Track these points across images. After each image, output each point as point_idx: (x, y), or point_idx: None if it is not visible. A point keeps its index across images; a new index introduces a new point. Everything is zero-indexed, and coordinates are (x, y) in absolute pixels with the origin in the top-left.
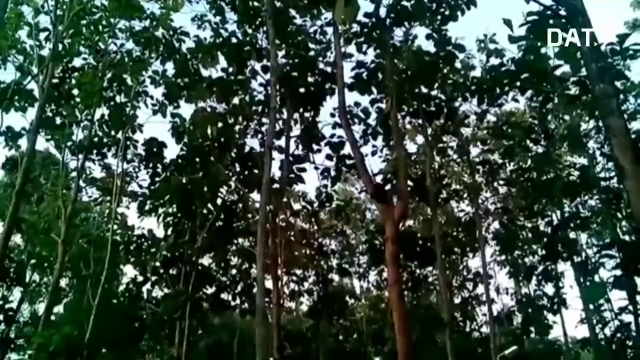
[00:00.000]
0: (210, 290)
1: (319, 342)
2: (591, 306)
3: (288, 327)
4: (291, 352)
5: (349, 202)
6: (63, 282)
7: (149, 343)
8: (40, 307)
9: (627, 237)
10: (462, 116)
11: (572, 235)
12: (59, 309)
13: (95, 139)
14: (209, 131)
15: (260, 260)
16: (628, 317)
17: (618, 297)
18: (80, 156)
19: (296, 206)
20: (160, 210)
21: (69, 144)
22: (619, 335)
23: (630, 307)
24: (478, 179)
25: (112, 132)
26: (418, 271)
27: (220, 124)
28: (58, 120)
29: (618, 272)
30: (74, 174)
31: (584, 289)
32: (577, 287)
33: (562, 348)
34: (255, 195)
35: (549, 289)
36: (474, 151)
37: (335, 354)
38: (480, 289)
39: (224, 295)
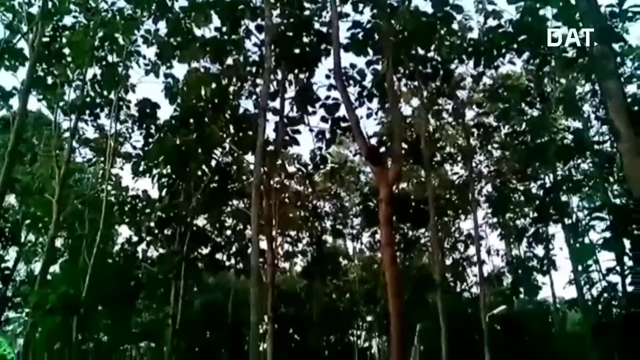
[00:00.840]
0: (205, 251)
1: (313, 302)
2: (580, 267)
3: (282, 287)
4: (285, 312)
5: (343, 164)
6: (58, 242)
7: (145, 302)
8: (36, 267)
9: (617, 201)
10: (458, 78)
11: (563, 198)
12: (54, 268)
13: (88, 99)
14: (202, 92)
15: (255, 221)
16: (615, 278)
17: (606, 259)
18: (73, 116)
19: (290, 168)
20: (155, 172)
21: (61, 104)
22: (605, 295)
23: (618, 268)
24: (472, 142)
25: (105, 92)
26: (411, 233)
27: (214, 85)
28: (49, 80)
29: (607, 235)
30: (66, 134)
31: (573, 250)
32: (567, 249)
33: (550, 308)
34: (250, 157)
35: (539, 250)
36: (469, 114)
37: (328, 313)
38: (472, 250)
39: (218, 256)
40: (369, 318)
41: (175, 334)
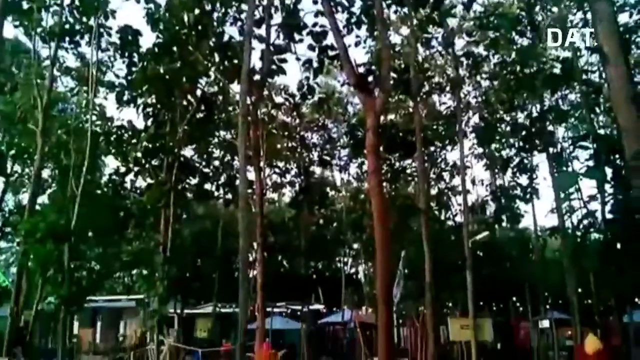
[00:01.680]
0: (193, 181)
1: (301, 231)
2: (562, 195)
3: (271, 217)
4: (274, 240)
5: (331, 95)
6: (45, 173)
7: (135, 231)
8: (24, 198)
9: (602, 132)
10: (449, 5)
11: (549, 128)
12: (43, 199)
13: (67, 26)
14: (185, 18)
15: (242, 150)
16: (595, 206)
17: (588, 187)
18: (52, 44)
19: (278, 99)
20: (139, 101)
21: (39, 30)
22: (585, 222)
23: (599, 196)
24: (461, 73)
25: (84, 19)
26: (397, 164)
27: (197, 11)
28: (25, 5)
29: (591, 164)
30: (47, 62)
31: (556, 178)
32: (551, 178)
33: (531, 236)
34: (236, 87)
35: (523, 180)
36: (459, 44)
37: (316, 242)
38: (457, 180)
39: (207, 186)
40: (355, 246)
41: (165, 261)
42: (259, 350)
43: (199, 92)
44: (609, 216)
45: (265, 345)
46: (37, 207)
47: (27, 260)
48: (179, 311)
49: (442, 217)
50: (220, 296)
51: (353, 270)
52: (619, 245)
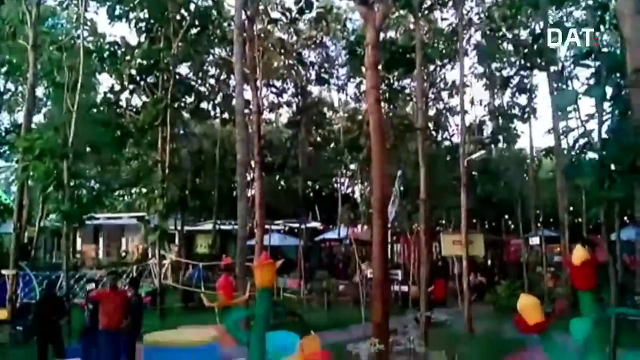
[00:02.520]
0: (189, 100)
1: (298, 151)
2: (559, 114)
3: (268, 137)
4: (271, 160)
5: (329, 10)
6: (39, 92)
7: (133, 150)
8: (20, 116)
9: (605, 50)
10: None
11: (552, 45)
12: (39, 118)
13: None
14: None
15: (238, 65)
16: (592, 125)
17: (587, 105)
18: None
19: (274, 14)
20: (132, 15)
21: None
22: (581, 141)
23: (596, 115)
24: None
25: None
26: (396, 83)
27: None
28: None
29: (591, 82)
30: None
31: (555, 96)
32: (550, 97)
33: (526, 156)
34: (230, 0)
35: (522, 100)
36: None
37: (313, 162)
38: (455, 100)
39: (203, 105)
40: (352, 166)
41: (164, 178)
42: (257, 260)
43: (192, 6)
44: (605, 136)
45: (264, 255)
46: (34, 126)
47: (26, 176)
48: (179, 228)
49: (439, 138)
50: (219, 213)
51: (349, 190)
52: (613, 167)
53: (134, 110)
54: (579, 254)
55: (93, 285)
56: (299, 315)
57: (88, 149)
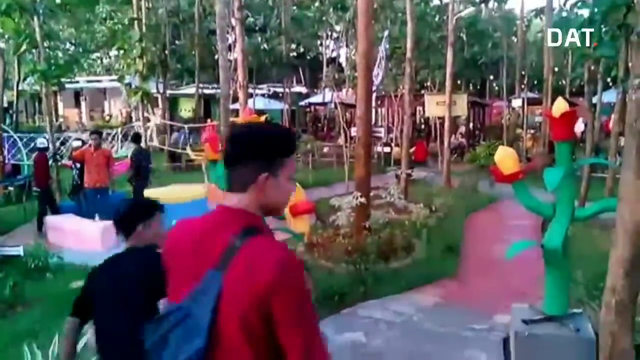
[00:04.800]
0: None
1: (281, 10)
2: None
3: None
4: (253, 20)
5: None
6: None
7: (106, 7)
8: None
9: None
10: None
11: None
12: None
13: None
14: None
15: None
16: None
17: None
18: None
19: None
20: None
21: None
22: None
23: None
24: None
25: None
26: None
27: None
28: None
29: None
30: None
31: None
32: None
33: (516, 18)
34: None
35: None
36: None
37: (297, 23)
38: None
39: None
40: (337, 27)
41: (141, 37)
42: (242, 114)
43: None
44: None
45: (248, 111)
46: None
47: None
48: (161, 91)
49: None
50: (201, 76)
51: (335, 53)
52: (603, 28)
53: None
54: (559, 105)
55: (80, 143)
56: None
57: (59, 8)
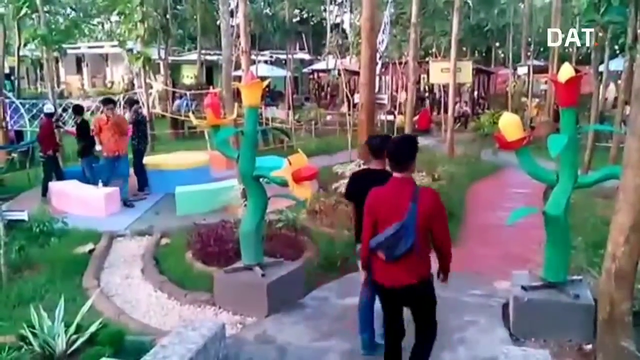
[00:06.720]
0: None
1: None
2: None
3: None
4: None
5: None
6: None
7: None
8: None
9: None
10: None
11: None
12: None
13: None
14: None
15: None
16: None
17: None
18: None
19: None
20: None
21: None
22: None
23: None
24: None
25: None
26: None
27: None
28: None
29: None
30: None
31: None
32: None
33: None
34: None
35: None
36: None
37: None
38: None
39: None
40: None
41: (142, 2)
42: (245, 80)
43: None
44: None
45: (250, 75)
46: None
47: None
48: (163, 57)
49: None
50: (204, 43)
51: (338, 19)
52: None
53: None
54: (566, 71)
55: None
56: (287, 134)
57: None
